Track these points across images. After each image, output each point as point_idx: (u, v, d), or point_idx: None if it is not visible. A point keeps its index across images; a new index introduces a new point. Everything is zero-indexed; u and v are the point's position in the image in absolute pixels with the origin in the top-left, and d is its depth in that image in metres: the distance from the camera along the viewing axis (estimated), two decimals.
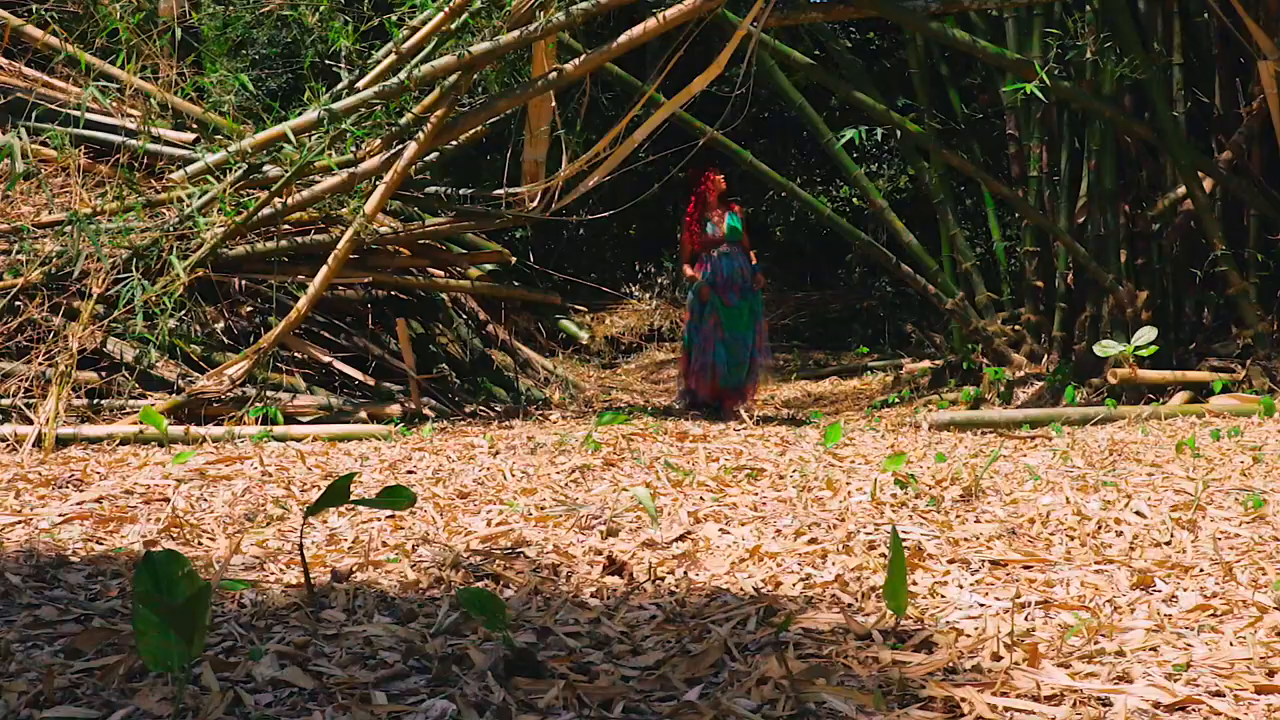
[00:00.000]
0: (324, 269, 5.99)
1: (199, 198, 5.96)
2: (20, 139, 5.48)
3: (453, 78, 6.07)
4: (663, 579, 2.91)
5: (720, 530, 3.38)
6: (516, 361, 8.72)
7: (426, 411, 6.43)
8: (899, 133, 8.66)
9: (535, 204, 6.68)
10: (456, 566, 2.97)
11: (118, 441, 5.01)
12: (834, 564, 3.00)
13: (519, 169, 6.93)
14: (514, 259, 7.81)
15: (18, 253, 5.69)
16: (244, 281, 6.31)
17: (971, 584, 2.80)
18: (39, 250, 5.69)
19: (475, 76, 6.39)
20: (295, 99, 7.65)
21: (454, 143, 6.78)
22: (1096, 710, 1.98)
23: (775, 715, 1.96)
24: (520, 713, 1.96)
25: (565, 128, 6.77)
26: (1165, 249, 7.57)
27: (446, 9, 6.07)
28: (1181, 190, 7.26)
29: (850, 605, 2.65)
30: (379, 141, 6.22)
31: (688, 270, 7.20)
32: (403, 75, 6.05)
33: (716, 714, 1.95)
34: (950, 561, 3.00)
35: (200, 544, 3.28)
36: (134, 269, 5.64)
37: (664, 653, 2.30)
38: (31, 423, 4.92)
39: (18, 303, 5.52)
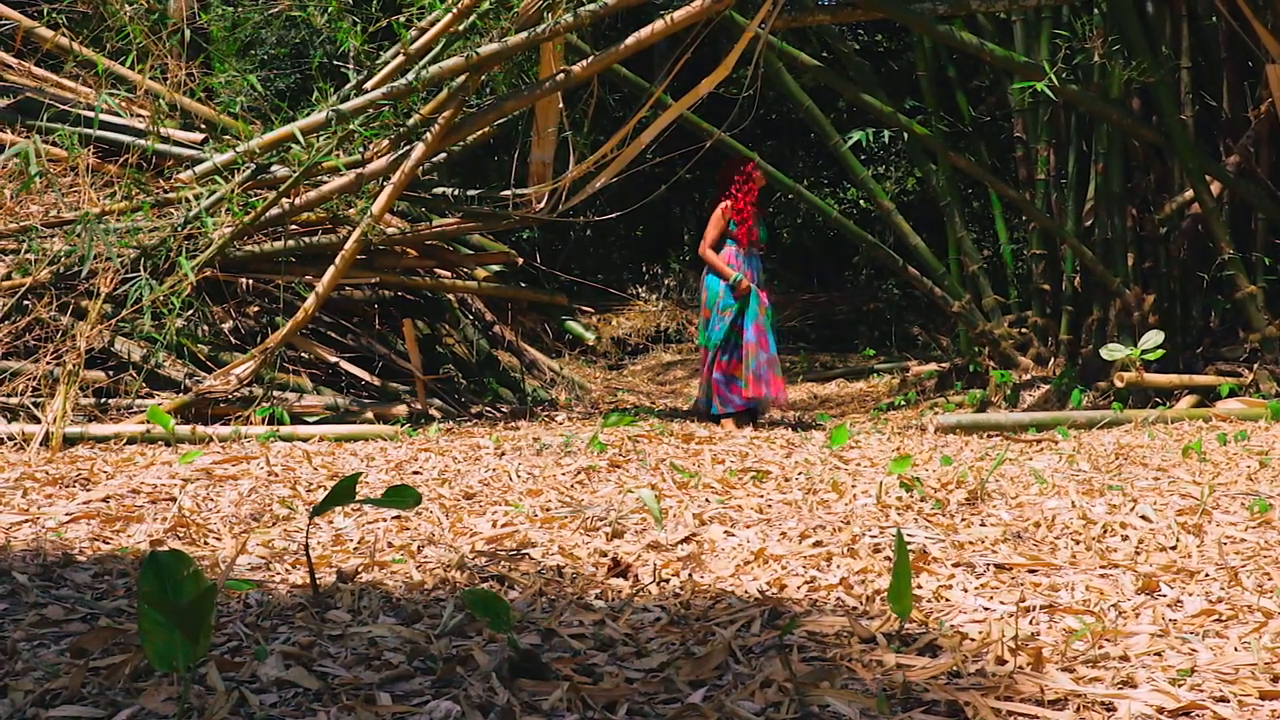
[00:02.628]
0: (331, 269, 6.00)
1: (207, 198, 5.98)
2: (35, 143, 5.51)
3: (460, 79, 6.08)
4: (667, 581, 2.92)
5: (725, 533, 3.38)
6: (523, 362, 8.73)
7: (433, 412, 6.44)
8: (906, 135, 8.65)
9: (542, 205, 6.69)
10: (461, 567, 2.98)
11: (125, 441, 5.03)
12: (839, 567, 3.00)
13: (526, 170, 6.94)
14: (521, 260, 7.81)
15: (26, 252, 5.71)
16: (251, 281, 6.33)
17: (976, 587, 2.81)
18: (47, 249, 5.71)
19: (483, 78, 6.40)
20: (303, 99, 7.67)
21: (461, 144, 6.78)
22: (1100, 715, 1.99)
23: (779, 718, 1.96)
24: (524, 714, 1.96)
25: (573, 129, 6.77)
26: (1172, 252, 7.56)
27: (455, 10, 6.08)
28: (1189, 194, 7.25)
29: (855, 608, 2.65)
30: (386, 142, 6.23)
31: (715, 260, 6.70)
32: (411, 76, 6.06)
33: (720, 716, 1.96)
34: (955, 565, 3.00)
35: (206, 544, 3.29)
36: (142, 269, 5.66)
37: (668, 655, 2.30)
38: (39, 421, 4.94)
39: (26, 302, 5.54)
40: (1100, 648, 2.33)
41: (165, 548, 2.77)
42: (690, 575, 2.95)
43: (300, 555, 3.10)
